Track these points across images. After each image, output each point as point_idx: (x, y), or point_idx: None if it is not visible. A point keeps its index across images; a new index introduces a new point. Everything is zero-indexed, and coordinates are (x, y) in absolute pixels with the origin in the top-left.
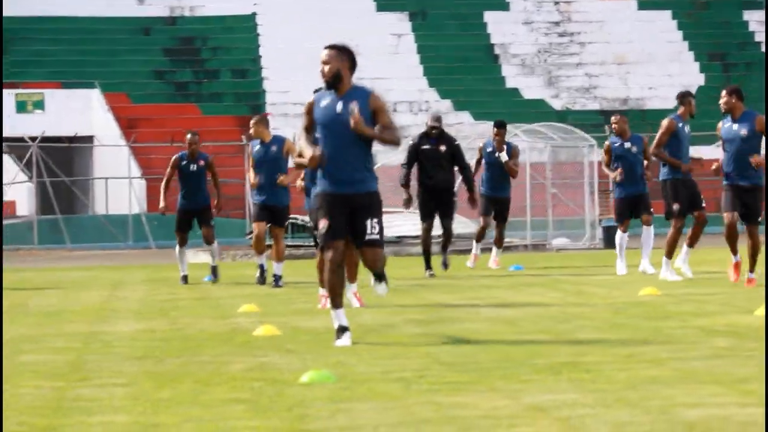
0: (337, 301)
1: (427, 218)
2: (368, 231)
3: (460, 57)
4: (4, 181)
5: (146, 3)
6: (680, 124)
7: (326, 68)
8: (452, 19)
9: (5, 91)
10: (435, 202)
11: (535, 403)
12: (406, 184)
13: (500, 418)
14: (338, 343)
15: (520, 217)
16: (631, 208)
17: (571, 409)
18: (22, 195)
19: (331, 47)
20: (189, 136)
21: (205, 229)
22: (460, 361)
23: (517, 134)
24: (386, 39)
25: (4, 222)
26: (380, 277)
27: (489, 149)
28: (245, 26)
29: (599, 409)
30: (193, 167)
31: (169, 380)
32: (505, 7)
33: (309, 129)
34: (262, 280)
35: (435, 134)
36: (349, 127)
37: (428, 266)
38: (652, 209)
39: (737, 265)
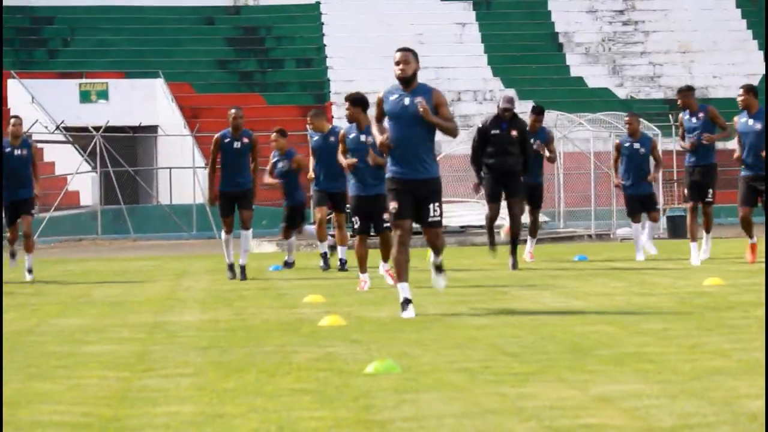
0: (402, 276)
1: (493, 201)
2: (431, 213)
3: (524, 46)
4: (70, 170)
5: None
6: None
7: (404, 67)
8: (516, 8)
9: (70, 81)
10: (502, 185)
11: (602, 393)
12: (477, 170)
13: (566, 409)
14: (404, 315)
15: (584, 207)
16: (641, 205)
17: (637, 400)
18: (85, 185)
19: (405, 50)
20: (233, 110)
21: (245, 212)
22: (526, 352)
23: (581, 123)
24: (450, 28)
25: (69, 212)
26: (439, 268)
27: None
28: (309, 15)
29: (664, 399)
30: (237, 145)
31: (234, 370)
32: None
33: (379, 119)
34: (326, 266)
35: (507, 116)
36: (415, 119)
37: (492, 245)
38: (658, 206)
39: (753, 247)
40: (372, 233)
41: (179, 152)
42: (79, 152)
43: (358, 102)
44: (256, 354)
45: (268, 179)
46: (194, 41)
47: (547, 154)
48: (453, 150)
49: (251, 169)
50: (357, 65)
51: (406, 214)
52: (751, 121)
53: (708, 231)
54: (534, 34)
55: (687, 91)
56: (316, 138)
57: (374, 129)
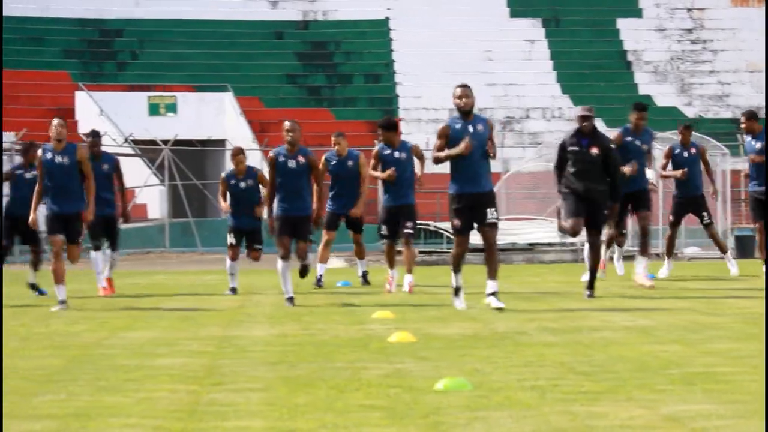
0: (457, 268)
1: (576, 215)
2: (489, 216)
3: (592, 64)
4: (137, 183)
5: (279, 7)
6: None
7: (466, 101)
8: (585, 26)
9: (139, 94)
10: (586, 208)
11: (671, 413)
12: (560, 190)
13: (636, 428)
14: (456, 305)
15: (653, 226)
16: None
17: (707, 420)
18: (153, 198)
19: (464, 86)
20: (287, 123)
21: (301, 244)
22: (595, 370)
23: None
24: (519, 45)
25: (137, 225)
26: (494, 294)
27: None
28: (378, 31)
29: (735, 420)
30: (292, 164)
31: (304, 385)
32: (638, 14)
33: (441, 148)
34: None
35: (586, 129)
36: (477, 144)
37: (590, 287)
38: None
39: None
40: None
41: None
42: (148, 165)
43: (391, 127)
44: (326, 369)
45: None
46: (264, 56)
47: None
48: (521, 168)
49: (317, 188)
50: (425, 81)
51: (466, 230)
52: (754, 141)
53: None
54: (602, 52)
55: (750, 116)
56: (334, 162)
57: (442, 154)
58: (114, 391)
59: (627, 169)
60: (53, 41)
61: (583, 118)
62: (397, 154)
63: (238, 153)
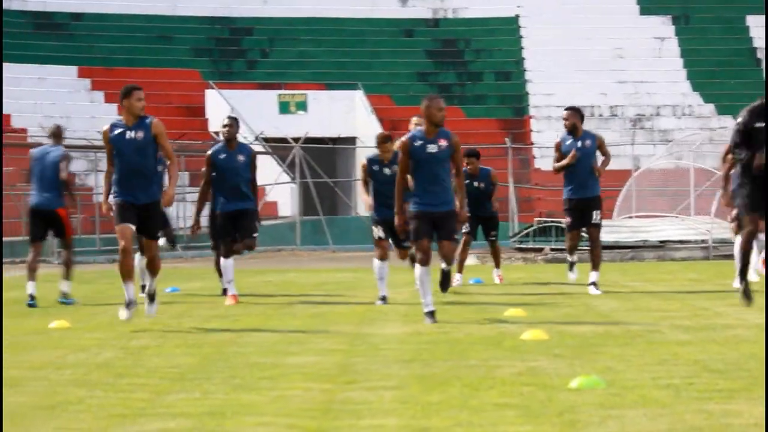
0: (572, 252)
1: (753, 210)
2: (594, 218)
3: (722, 61)
4: (269, 181)
5: (409, 5)
6: None
7: (567, 123)
8: (715, 23)
9: (269, 92)
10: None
11: None
12: (726, 177)
13: None
14: (570, 276)
15: None
16: None
17: None
18: (284, 196)
19: (569, 109)
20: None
21: (447, 245)
22: (730, 368)
23: None
24: (649, 42)
25: (267, 222)
26: (594, 284)
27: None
28: (508, 28)
29: None
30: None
31: (438, 384)
32: None
33: (559, 160)
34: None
35: None
36: (586, 156)
37: (743, 278)
38: None
39: None
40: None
41: None
42: (278, 163)
43: (388, 139)
44: (460, 367)
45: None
46: (394, 53)
47: None
48: (651, 165)
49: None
50: (556, 79)
51: (576, 226)
52: None
53: None
54: (732, 49)
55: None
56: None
57: (557, 164)
58: (248, 390)
59: None
60: (182, 39)
61: None
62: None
63: (386, 140)
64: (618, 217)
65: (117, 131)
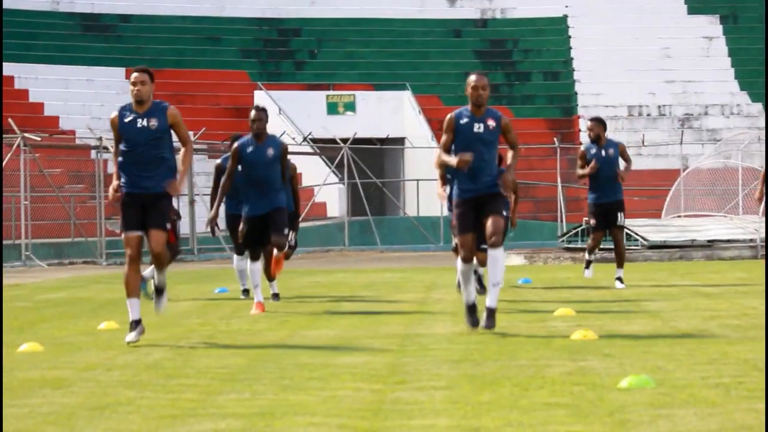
0: (591, 252)
1: None
2: (618, 220)
3: None
4: (317, 182)
5: (457, 5)
6: None
7: (592, 134)
8: (763, 22)
9: (317, 93)
10: None
11: None
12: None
13: None
14: (586, 274)
15: None
16: None
17: None
18: (333, 196)
19: (594, 119)
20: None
21: (479, 256)
22: None
23: None
24: (697, 42)
25: (316, 223)
26: (619, 278)
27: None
28: (556, 28)
29: None
30: (479, 128)
31: (488, 383)
32: None
33: (583, 167)
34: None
35: None
36: (608, 165)
37: None
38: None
39: None
40: None
41: (427, 165)
42: (327, 164)
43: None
44: (510, 367)
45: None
46: (442, 53)
47: None
48: (700, 164)
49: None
50: (604, 79)
51: (599, 227)
52: None
53: None
54: None
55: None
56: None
57: (580, 172)
58: (298, 390)
59: None
60: (231, 41)
61: None
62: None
63: None
64: (666, 216)
65: (128, 119)
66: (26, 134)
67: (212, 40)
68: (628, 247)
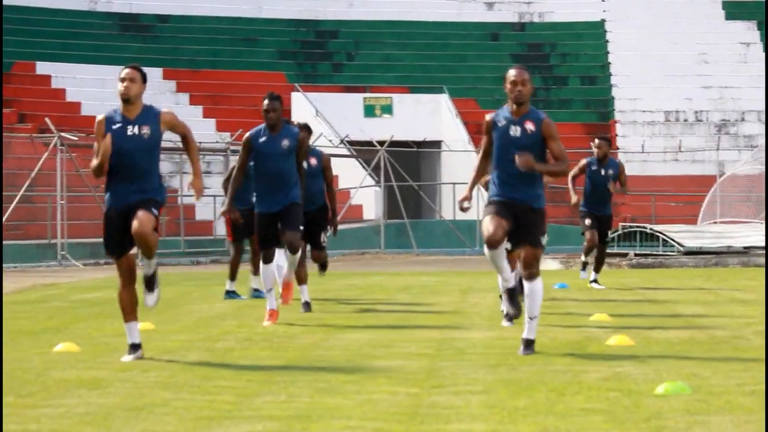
0: (587, 253)
1: None
2: (605, 237)
3: None
4: (354, 184)
5: (495, 9)
6: None
7: (599, 151)
8: None
9: (354, 95)
10: None
11: None
12: None
13: None
14: (582, 275)
15: None
16: None
17: None
18: (369, 199)
19: (602, 138)
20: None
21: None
22: None
23: None
24: (735, 47)
25: (353, 226)
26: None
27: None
28: (594, 33)
29: None
30: (516, 131)
31: (524, 389)
32: None
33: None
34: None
35: None
36: (602, 183)
37: None
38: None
39: None
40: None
41: (464, 168)
42: (363, 166)
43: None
44: (546, 372)
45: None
46: (479, 57)
47: None
48: (737, 171)
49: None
50: (641, 84)
51: (594, 226)
52: None
53: None
54: None
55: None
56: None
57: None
58: (334, 393)
59: None
60: (268, 42)
61: None
62: None
63: None
64: (702, 222)
65: (116, 126)
66: (63, 134)
67: (249, 41)
68: (664, 253)
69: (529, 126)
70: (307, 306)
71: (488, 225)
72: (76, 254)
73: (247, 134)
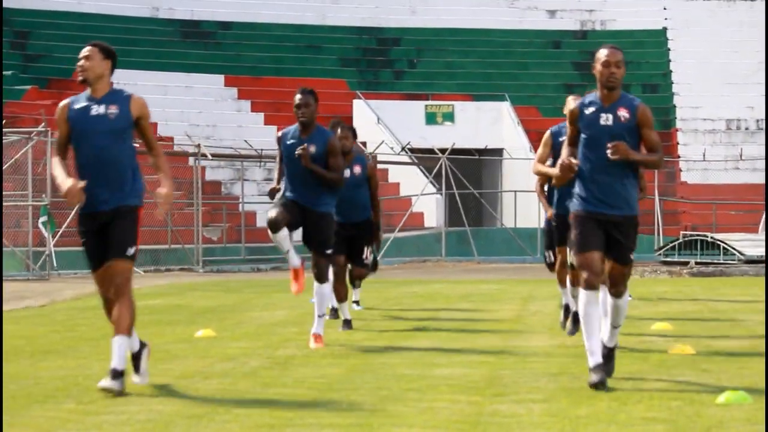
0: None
1: None
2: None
3: None
4: (415, 192)
5: (557, 16)
6: None
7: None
8: None
9: (416, 103)
10: None
11: None
12: None
13: None
14: None
15: None
16: None
17: None
18: (430, 207)
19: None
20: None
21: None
22: None
23: None
24: None
25: (413, 233)
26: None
27: None
28: (656, 41)
29: None
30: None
31: (585, 397)
32: None
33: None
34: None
35: None
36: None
37: None
38: None
39: None
40: None
41: (525, 176)
42: (425, 174)
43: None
44: (607, 381)
45: None
46: (541, 65)
47: None
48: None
49: None
50: (702, 92)
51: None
52: None
53: None
54: None
55: None
56: None
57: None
58: (395, 401)
59: None
60: (330, 49)
61: None
62: None
63: None
64: (763, 231)
65: (78, 106)
66: None
67: (312, 49)
68: (725, 261)
69: (623, 113)
70: (347, 324)
71: (583, 264)
72: (138, 261)
73: (279, 133)
